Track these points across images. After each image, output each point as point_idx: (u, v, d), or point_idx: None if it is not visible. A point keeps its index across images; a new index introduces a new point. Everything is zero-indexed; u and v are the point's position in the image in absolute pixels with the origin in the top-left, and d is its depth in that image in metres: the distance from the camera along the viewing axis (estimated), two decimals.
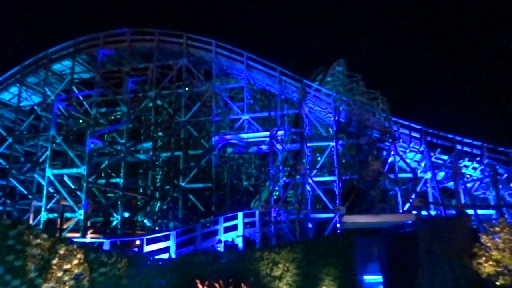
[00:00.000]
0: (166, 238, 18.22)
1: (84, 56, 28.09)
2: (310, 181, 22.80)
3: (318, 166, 26.74)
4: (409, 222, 19.90)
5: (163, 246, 18.01)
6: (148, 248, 17.73)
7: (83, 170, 21.68)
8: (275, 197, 24.20)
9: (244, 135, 24.40)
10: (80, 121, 29.71)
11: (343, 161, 27.55)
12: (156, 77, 26.54)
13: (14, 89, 29.02)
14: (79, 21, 77.10)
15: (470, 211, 21.74)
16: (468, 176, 25.92)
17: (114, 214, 24.96)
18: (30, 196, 26.46)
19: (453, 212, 21.91)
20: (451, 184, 25.99)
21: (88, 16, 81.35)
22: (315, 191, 23.31)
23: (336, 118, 25.34)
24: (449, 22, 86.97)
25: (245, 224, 19.76)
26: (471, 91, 66.23)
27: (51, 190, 23.26)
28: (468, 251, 16.40)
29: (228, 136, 24.88)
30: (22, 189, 27.27)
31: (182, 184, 25.01)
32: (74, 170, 22.70)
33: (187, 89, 27.05)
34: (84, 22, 78.10)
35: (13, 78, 28.71)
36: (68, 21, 79.89)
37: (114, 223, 25.15)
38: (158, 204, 29.14)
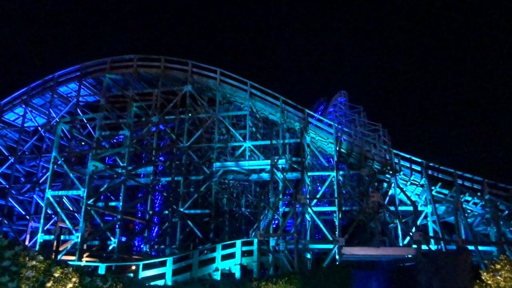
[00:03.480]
0: (163, 264, 17.99)
1: (91, 80, 28.60)
2: (309, 210, 22.68)
3: (318, 196, 26.66)
4: (409, 256, 19.65)
5: (159, 272, 17.76)
6: (144, 274, 17.48)
7: (82, 192, 21.64)
8: (274, 226, 24.01)
9: (245, 163, 24.46)
10: (83, 143, 29.90)
11: (344, 192, 27.49)
12: (160, 102, 26.88)
13: (19, 110, 29.40)
14: (86, 46, 78.77)
15: (471, 247, 21.48)
16: (469, 211, 25.73)
17: (111, 238, 24.72)
18: (27, 217, 26.30)
19: (454, 247, 21.62)
20: (451, 218, 25.77)
21: (95, 41, 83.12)
22: (315, 221, 23.13)
23: (337, 148, 25.46)
24: (452, 56, 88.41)
25: (243, 253, 19.53)
26: (473, 126, 66.59)
27: (49, 211, 23.14)
28: None
29: (229, 163, 24.93)
30: (20, 209, 27.16)
31: (181, 209, 24.88)
32: (74, 192, 22.67)
33: (190, 115, 27.35)
34: (91, 46, 79.75)
35: (19, 99, 29.18)
36: (75, 45, 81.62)
37: (110, 247, 24.86)
38: (156, 229, 28.92)
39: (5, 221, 26.11)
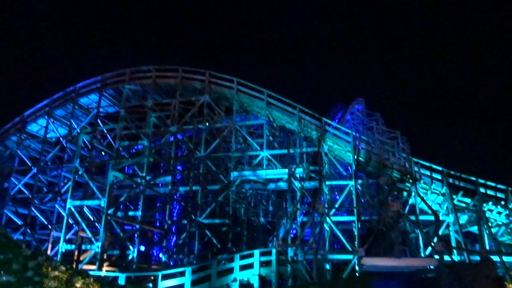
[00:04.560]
0: (181, 274, 18.04)
1: (111, 91, 29.12)
2: (328, 220, 22.47)
3: (336, 205, 26.39)
4: (431, 267, 19.22)
5: (178, 283, 17.81)
6: (162, 284, 17.55)
7: (103, 202, 21.97)
8: (292, 236, 23.85)
9: (263, 172, 24.44)
10: (103, 153, 30.42)
11: (362, 201, 27.16)
12: (178, 112, 27.16)
13: (42, 121, 30.13)
14: (106, 57, 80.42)
15: (495, 258, 20.89)
16: (492, 220, 25.07)
17: (130, 247, 24.97)
18: (49, 226, 26.81)
19: (477, 258, 21.07)
20: (474, 228, 25.11)
21: (115, 52, 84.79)
22: (333, 231, 22.90)
23: (355, 157, 25.21)
24: (476, 61, 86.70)
25: (261, 263, 19.43)
26: (495, 132, 65.09)
27: (70, 221, 23.55)
28: None
29: (246, 173, 24.96)
30: (42, 219, 27.72)
31: (199, 219, 24.97)
32: (95, 202, 23.02)
33: (207, 124, 27.53)
34: (111, 57, 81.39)
35: (42, 110, 29.93)
36: (95, 57, 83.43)
37: (130, 257, 25.11)
38: (174, 238, 29.07)
39: (28, 230, 26.66)
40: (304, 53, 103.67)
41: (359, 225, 22.94)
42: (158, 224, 28.30)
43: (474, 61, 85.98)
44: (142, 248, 24.40)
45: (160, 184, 28.96)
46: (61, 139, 29.97)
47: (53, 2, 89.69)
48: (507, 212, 24.15)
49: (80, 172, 23.89)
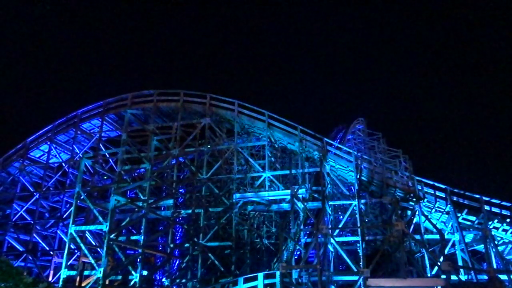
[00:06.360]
0: None
1: (112, 115, 29.39)
2: (332, 241, 22.22)
3: (340, 226, 26.14)
4: (438, 287, 18.87)
5: None
6: None
7: (105, 227, 21.83)
8: (296, 257, 23.56)
9: (265, 193, 24.34)
10: (105, 177, 30.41)
11: (366, 221, 26.91)
12: (180, 135, 27.30)
13: (44, 147, 30.32)
14: (107, 82, 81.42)
15: (503, 277, 20.53)
16: (498, 238, 24.76)
17: (133, 272, 24.65)
18: (51, 252, 26.57)
19: (485, 277, 20.70)
20: (481, 246, 24.78)
21: (115, 77, 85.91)
22: (338, 252, 22.61)
23: (358, 176, 25.13)
24: (474, 77, 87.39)
25: (265, 286, 19.16)
26: (498, 149, 64.98)
27: (72, 246, 23.35)
28: None
29: (248, 194, 24.85)
30: (44, 245, 27.50)
31: (202, 242, 24.74)
32: (97, 227, 22.88)
33: (209, 146, 27.61)
34: (112, 82, 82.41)
35: (44, 136, 30.19)
36: (97, 81, 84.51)
37: (132, 282, 24.75)
38: (177, 262, 28.74)
39: (30, 257, 26.42)
40: (304, 74, 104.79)
41: (364, 245, 22.65)
42: (160, 248, 28.03)
43: (476, 76, 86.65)
44: (145, 272, 24.05)
45: (162, 208, 28.83)
46: (63, 164, 30.06)
47: (54, 30, 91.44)
48: None
49: (82, 197, 23.80)
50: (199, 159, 28.16)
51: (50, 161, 30.08)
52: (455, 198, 24.75)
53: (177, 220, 28.33)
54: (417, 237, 22.56)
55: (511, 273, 21.43)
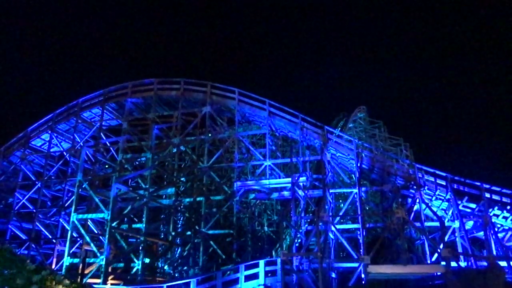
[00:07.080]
0: (186, 285, 17.95)
1: (113, 104, 29.28)
2: (333, 228, 22.33)
3: (341, 214, 26.26)
4: (438, 274, 19.01)
5: None
6: None
7: (107, 215, 21.95)
8: (297, 245, 23.71)
9: (266, 181, 24.39)
10: (106, 166, 30.48)
11: (367, 209, 27.02)
12: (181, 124, 27.26)
13: (45, 136, 30.30)
14: (108, 70, 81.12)
15: (503, 264, 20.65)
16: (499, 225, 24.86)
17: (135, 260, 24.88)
18: (54, 241, 26.77)
19: (485, 264, 20.83)
20: (481, 234, 24.90)
21: (116, 65, 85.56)
22: (338, 239, 22.75)
23: (359, 164, 25.15)
24: (476, 65, 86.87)
25: (266, 273, 19.27)
26: (499, 136, 64.86)
27: (75, 234, 23.52)
28: None
29: (250, 182, 24.92)
30: (47, 233, 27.69)
31: (204, 230, 24.89)
32: (99, 215, 23.00)
33: (210, 135, 27.60)
34: (112, 71, 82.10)
35: (45, 125, 30.13)
36: (97, 70, 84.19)
37: (134, 269, 25.00)
38: (179, 250, 28.95)
39: (33, 245, 26.63)
40: (306, 62, 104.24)
41: (364, 233, 22.79)
42: (162, 236, 28.20)
43: (478, 65, 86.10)
44: (147, 260, 24.27)
45: (164, 196, 28.94)
46: (64, 153, 30.09)
47: (54, 20, 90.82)
48: None
49: (83, 186, 23.91)
50: (200, 148, 28.17)
51: (51, 150, 30.09)
52: (455, 186, 24.80)
53: (179, 208, 28.42)
54: (418, 224, 22.67)
55: (510, 259, 21.58)
